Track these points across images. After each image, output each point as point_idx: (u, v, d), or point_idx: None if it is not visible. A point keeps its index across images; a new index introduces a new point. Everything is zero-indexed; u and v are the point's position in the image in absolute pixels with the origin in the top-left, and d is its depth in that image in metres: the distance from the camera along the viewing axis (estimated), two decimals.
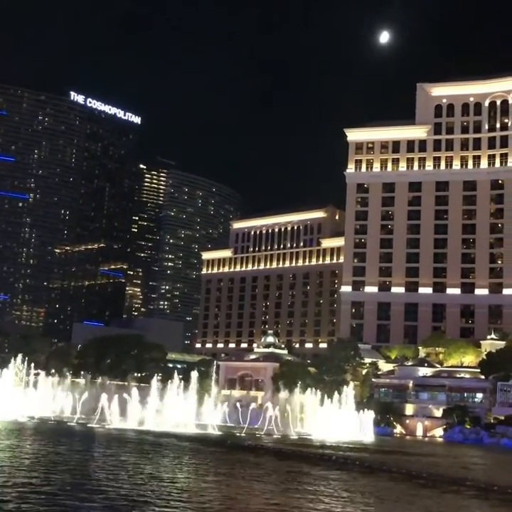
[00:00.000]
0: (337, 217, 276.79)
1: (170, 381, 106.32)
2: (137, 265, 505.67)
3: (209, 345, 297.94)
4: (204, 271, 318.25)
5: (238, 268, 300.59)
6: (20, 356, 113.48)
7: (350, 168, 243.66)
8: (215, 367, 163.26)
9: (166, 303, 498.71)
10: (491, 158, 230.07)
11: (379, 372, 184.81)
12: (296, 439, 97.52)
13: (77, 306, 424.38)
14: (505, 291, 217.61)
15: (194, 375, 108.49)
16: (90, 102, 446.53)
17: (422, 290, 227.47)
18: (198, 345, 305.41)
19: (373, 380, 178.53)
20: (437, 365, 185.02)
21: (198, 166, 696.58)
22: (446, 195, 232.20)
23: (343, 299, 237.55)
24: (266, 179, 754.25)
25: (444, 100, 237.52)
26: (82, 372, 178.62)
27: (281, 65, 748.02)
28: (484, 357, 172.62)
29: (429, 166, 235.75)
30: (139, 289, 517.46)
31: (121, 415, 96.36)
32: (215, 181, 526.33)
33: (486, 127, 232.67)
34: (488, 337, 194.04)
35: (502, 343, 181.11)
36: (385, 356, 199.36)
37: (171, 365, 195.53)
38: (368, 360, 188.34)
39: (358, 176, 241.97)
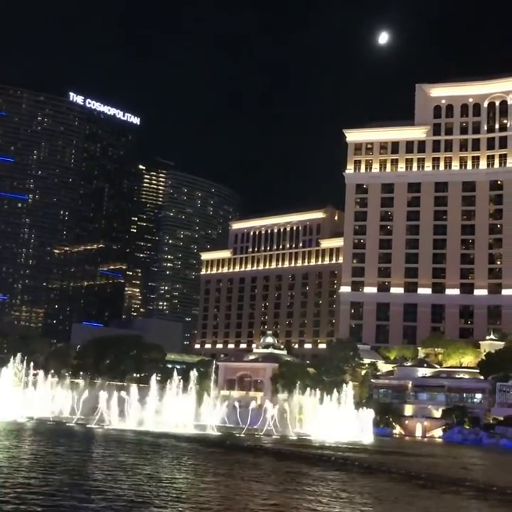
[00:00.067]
0: (336, 218, 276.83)
1: (169, 382, 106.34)
2: (136, 266, 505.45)
3: (208, 346, 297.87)
4: (203, 271, 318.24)
5: (237, 268, 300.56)
6: (19, 357, 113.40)
7: (350, 168, 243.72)
8: (214, 367, 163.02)
9: (165, 303, 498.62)
10: (490, 158, 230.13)
11: (378, 373, 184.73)
12: (295, 440, 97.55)
13: (76, 307, 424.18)
14: (505, 292, 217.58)
15: (193, 375, 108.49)
16: (89, 103, 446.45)
17: (421, 291, 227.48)
18: (197, 346, 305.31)
19: (372, 380, 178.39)
20: (436, 366, 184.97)
21: (198, 167, 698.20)
22: (445, 195, 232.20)
23: (342, 299, 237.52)
24: (265, 179, 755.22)
25: (443, 101, 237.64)
26: (81, 373, 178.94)
27: (281, 65, 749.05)
28: (483, 357, 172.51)
29: (428, 166, 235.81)
30: (138, 290, 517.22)
31: (120, 416, 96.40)
32: (214, 182, 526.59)
33: (485, 128, 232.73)
34: (487, 337, 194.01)
35: (501, 344, 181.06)
36: (384, 357, 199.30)
37: (170, 366, 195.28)
38: (367, 361, 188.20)
39: (357, 176, 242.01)
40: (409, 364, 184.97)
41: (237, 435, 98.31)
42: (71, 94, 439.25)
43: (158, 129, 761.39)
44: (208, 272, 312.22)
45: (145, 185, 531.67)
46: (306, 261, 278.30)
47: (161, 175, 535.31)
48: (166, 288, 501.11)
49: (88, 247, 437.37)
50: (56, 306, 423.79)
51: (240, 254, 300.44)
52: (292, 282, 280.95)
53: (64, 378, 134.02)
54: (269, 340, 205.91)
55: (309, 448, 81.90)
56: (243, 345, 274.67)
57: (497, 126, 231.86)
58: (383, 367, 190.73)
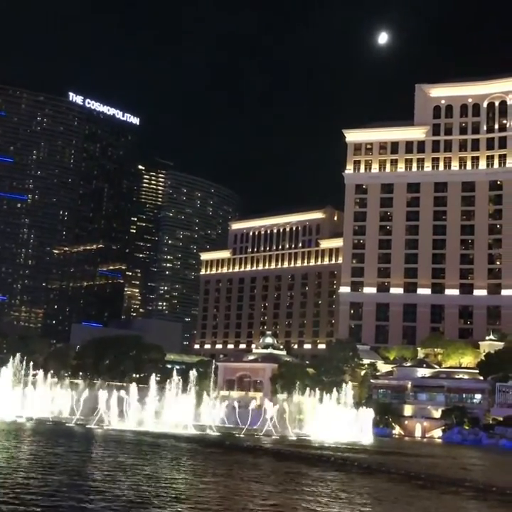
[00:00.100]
0: (336, 218, 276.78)
1: (168, 382, 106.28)
2: (136, 266, 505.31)
3: (207, 346, 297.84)
4: (203, 272, 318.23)
5: (237, 269, 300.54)
6: (18, 357, 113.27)
7: (349, 169, 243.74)
8: (213, 368, 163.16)
9: (164, 304, 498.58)
10: (490, 159, 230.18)
11: (377, 373, 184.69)
12: (294, 440, 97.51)
13: (76, 307, 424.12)
14: (504, 292, 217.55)
15: (192, 375, 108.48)
16: (89, 103, 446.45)
17: (420, 291, 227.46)
18: (197, 346, 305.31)
19: (372, 381, 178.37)
20: (436, 366, 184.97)
21: (197, 167, 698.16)
22: (445, 196, 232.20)
23: (341, 299, 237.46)
24: (265, 179, 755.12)
25: (443, 101, 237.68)
26: (81, 373, 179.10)
27: (281, 65, 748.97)
28: (483, 358, 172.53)
29: (428, 166, 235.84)
30: (137, 290, 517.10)
31: (120, 416, 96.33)
32: (213, 182, 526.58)
33: (485, 128, 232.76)
34: (487, 338, 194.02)
35: (500, 344, 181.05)
36: (384, 357, 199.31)
37: (169, 366, 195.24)
38: (366, 361, 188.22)
39: (357, 176, 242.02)
40: (408, 364, 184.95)
41: (237, 435, 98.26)
42: (70, 94, 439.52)
43: (158, 129, 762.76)
44: (208, 272, 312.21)
45: (144, 185, 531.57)
46: (306, 261, 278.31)
47: (160, 175, 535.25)
48: (166, 288, 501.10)
49: (87, 248, 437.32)
50: (55, 307, 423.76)
51: (240, 255, 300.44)
52: (292, 282, 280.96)
53: (63, 378, 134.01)
54: (269, 340, 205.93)
55: (309, 448, 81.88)
56: (242, 346, 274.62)
57: (496, 126, 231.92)
58: (383, 367, 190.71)
